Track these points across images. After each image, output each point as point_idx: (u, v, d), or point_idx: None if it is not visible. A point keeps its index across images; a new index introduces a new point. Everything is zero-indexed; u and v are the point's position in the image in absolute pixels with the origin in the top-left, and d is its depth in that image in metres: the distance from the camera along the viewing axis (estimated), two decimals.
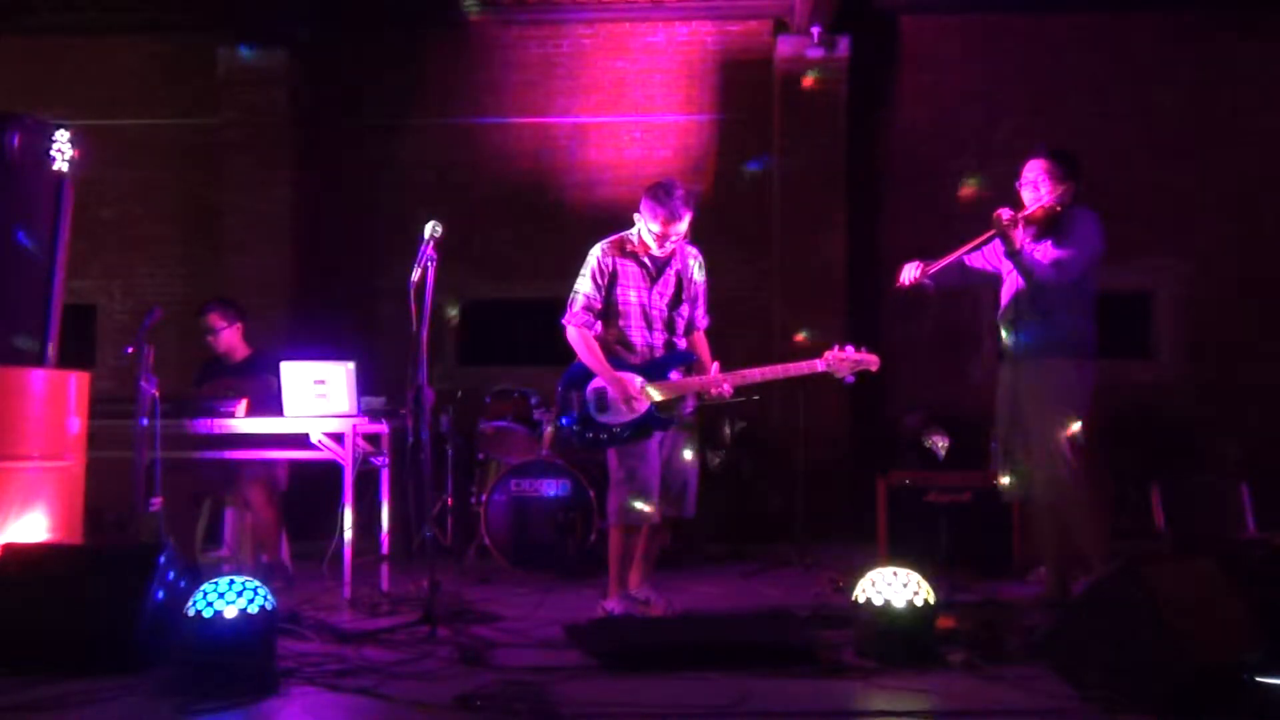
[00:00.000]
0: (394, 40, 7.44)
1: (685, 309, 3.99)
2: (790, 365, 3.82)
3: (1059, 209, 3.99)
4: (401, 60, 7.44)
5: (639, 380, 3.80)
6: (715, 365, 3.88)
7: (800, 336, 6.38)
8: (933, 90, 7.25)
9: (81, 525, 3.93)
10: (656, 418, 3.81)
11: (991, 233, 3.92)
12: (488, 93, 7.40)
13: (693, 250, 4.02)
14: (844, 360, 3.76)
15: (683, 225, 3.80)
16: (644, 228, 3.84)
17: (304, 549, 4.96)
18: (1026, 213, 3.94)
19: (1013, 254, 3.88)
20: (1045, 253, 3.94)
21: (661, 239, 3.81)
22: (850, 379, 3.80)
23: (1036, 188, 4.02)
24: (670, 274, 3.95)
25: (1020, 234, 3.86)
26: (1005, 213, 3.84)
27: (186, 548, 4.71)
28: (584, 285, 3.87)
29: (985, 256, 4.19)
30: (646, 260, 3.91)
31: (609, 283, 3.87)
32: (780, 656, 3.15)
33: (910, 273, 4.08)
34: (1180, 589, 2.82)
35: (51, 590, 3.17)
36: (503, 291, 7.42)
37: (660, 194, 3.76)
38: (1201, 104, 7.08)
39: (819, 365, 3.77)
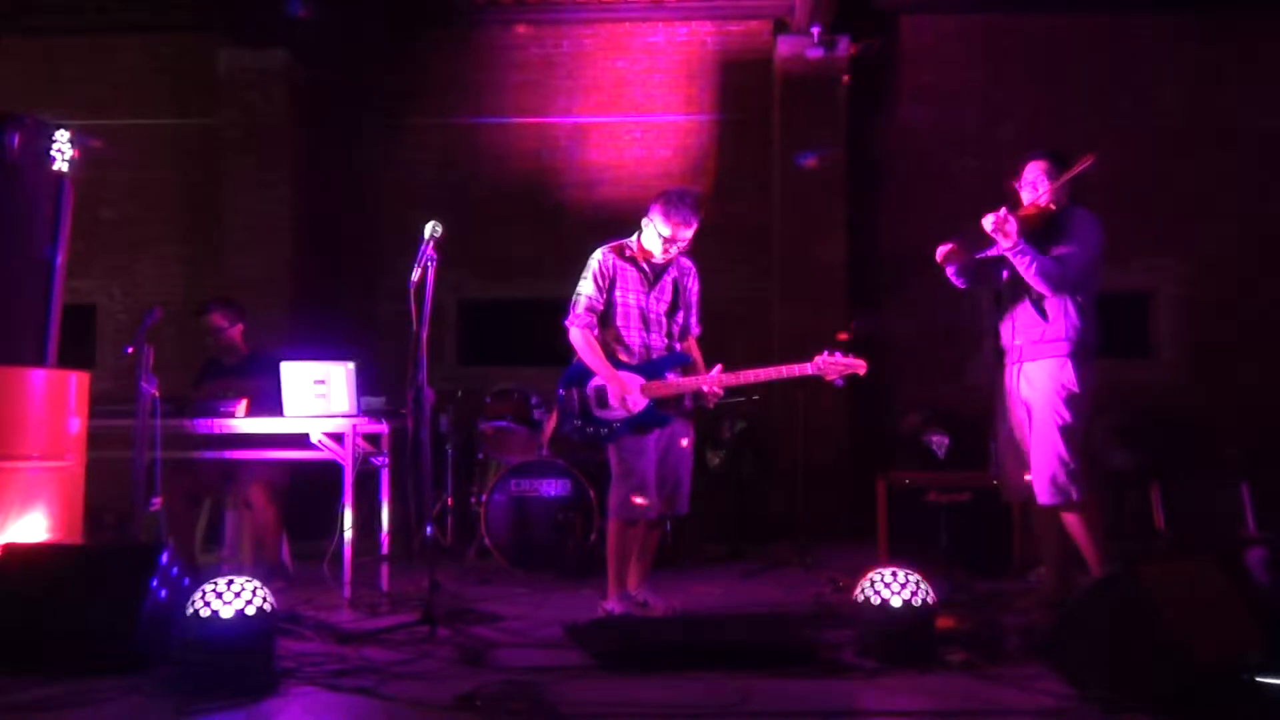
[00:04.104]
0: (394, 40, 7.44)
1: (680, 315, 4.08)
2: (782, 368, 3.89)
3: (1053, 208, 3.99)
4: (401, 60, 7.44)
5: (638, 380, 3.88)
6: (718, 367, 3.94)
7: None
8: (933, 89, 7.25)
9: (81, 525, 3.92)
10: (655, 415, 3.88)
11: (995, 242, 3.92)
12: (488, 93, 7.40)
13: (687, 261, 4.13)
14: (833, 364, 3.86)
15: (690, 231, 3.90)
16: (652, 231, 3.91)
17: (304, 549, 4.96)
18: (1020, 213, 3.93)
19: (1010, 253, 3.88)
20: (1044, 252, 3.93)
21: (670, 242, 3.89)
22: (840, 383, 3.90)
23: (1035, 188, 4.05)
24: (667, 281, 4.04)
25: (1015, 229, 3.85)
26: (995, 216, 3.84)
27: (186, 548, 4.71)
28: (586, 287, 3.93)
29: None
30: (645, 266, 3.99)
31: (609, 286, 3.94)
32: (780, 656, 3.15)
33: (945, 250, 4.09)
34: (1180, 589, 2.82)
35: (51, 590, 3.17)
36: (502, 291, 7.42)
37: (674, 199, 3.86)
38: (1201, 104, 7.08)
39: (809, 369, 3.88)
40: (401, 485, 4.42)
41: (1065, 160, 4.06)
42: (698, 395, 3.97)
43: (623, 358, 3.94)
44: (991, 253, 4.13)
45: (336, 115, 7.40)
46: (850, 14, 6.89)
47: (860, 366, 3.87)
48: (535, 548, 5.13)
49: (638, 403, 3.86)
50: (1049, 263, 3.88)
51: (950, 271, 4.18)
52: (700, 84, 7.34)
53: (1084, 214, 4.00)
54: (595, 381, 3.90)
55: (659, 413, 3.89)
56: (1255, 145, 7.03)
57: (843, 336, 5.94)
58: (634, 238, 4.01)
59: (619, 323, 3.95)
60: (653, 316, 3.98)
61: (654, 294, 3.99)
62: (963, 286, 4.28)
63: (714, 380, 3.88)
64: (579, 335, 3.92)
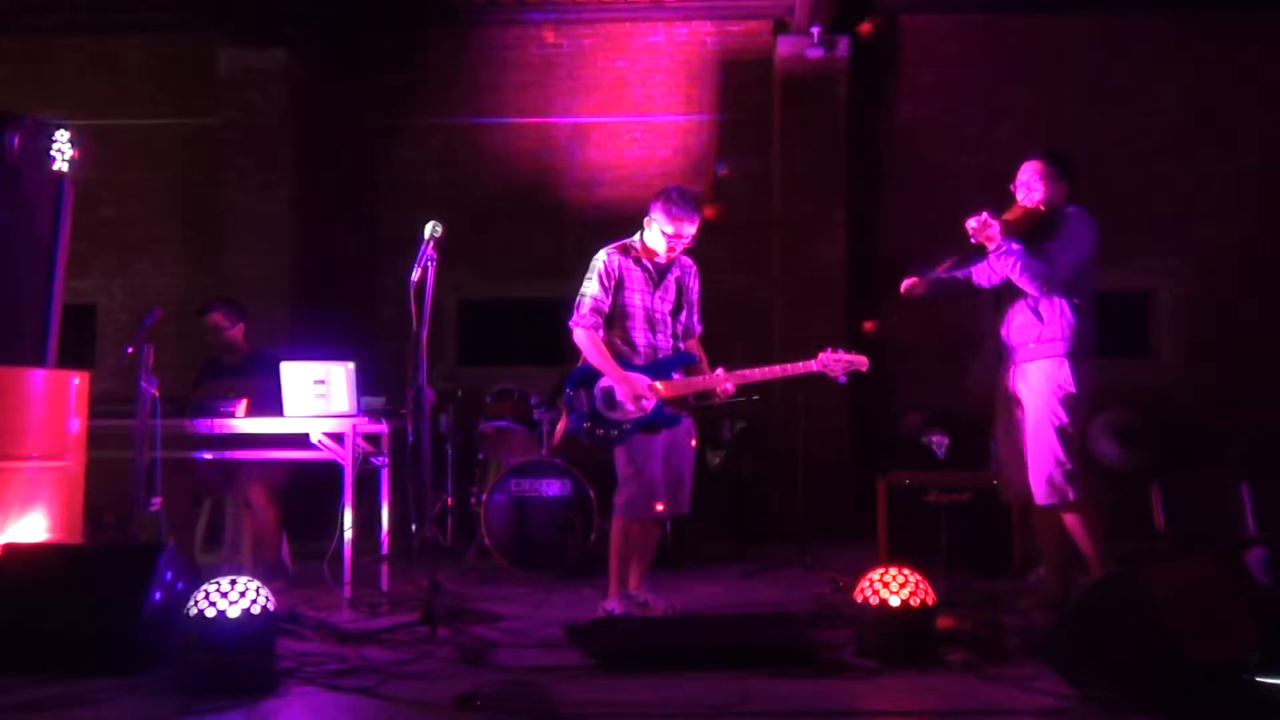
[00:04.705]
0: (394, 40, 7.45)
1: (684, 315, 4.09)
2: (786, 366, 3.90)
3: (1043, 209, 3.98)
4: (401, 60, 7.44)
5: (646, 380, 3.87)
6: (721, 368, 3.94)
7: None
8: (932, 90, 7.26)
9: (81, 525, 3.92)
10: (664, 414, 3.89)
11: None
12: (488, 93, 7.40)
13: (688, 260, 4.13)
14: (837, 361, 3.88)
15: (693, 228, 3.89)
16: (654, 231, 3.91)
17: (304, 549, 4.96)
18: (1005, 215, 3.94)
19: (995, 252, 3.88)
20: (1033, 252, 3.93)
21: (674, 239, 3.88)
22: (843, 379, 3.91)
23: (1029, 189, 4.04)
24: (671, 280, 4.04)
25: (997, 231, 3.85)
26: (976, 219, 3.85)
27: (186, 548, 4.71)
28: (591, 288, 3.92)
29: (991, 266, 4.17)
30: (649, 265, 3.98)
31: (615, 286, 3.93)
32: (780, 656, 3.15)
33: (907, 284, 4.15)
34: (1180, 589, 2.82)
35: (51, 590, 3.17)
36: (502, 291, 7.42)
37: (674, 196, 3.86)
38: (1201, 104, 7.08)
39: (813, 366, 3.89)
40: (401, 485, 4.42)
41: (1063, 160, 4.07)
42: (703, 394, 3.98)
43: (630, 357, 3.92)
44: (989, 275, 4.14)
45: (336, 115, 7.40)
46: (850, 14, 6.89)
47: (863, 362, 3.88)
48: (535, 548, 5.13)
49: (648, 402, 3.86)
50: (1035, 263, 3.88)
51: (925, 294, 4.20)
52: (700, 84, 7.34)
53: (1077, 214, 3.98)
54: (603, 382, 3.89)
55: (668, 413, 3.90)
56: (1255, 145, 7.03)
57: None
58: (637, 237, 4.00)
59: (626, 323, 3.93)
60: (658, 316, 3.99)
61: (659, 294, 3.99)
62: (950, 291, 4.29)
63: (721, 379, 3.89)
64: (584, 336, 3.90)
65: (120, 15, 7.33)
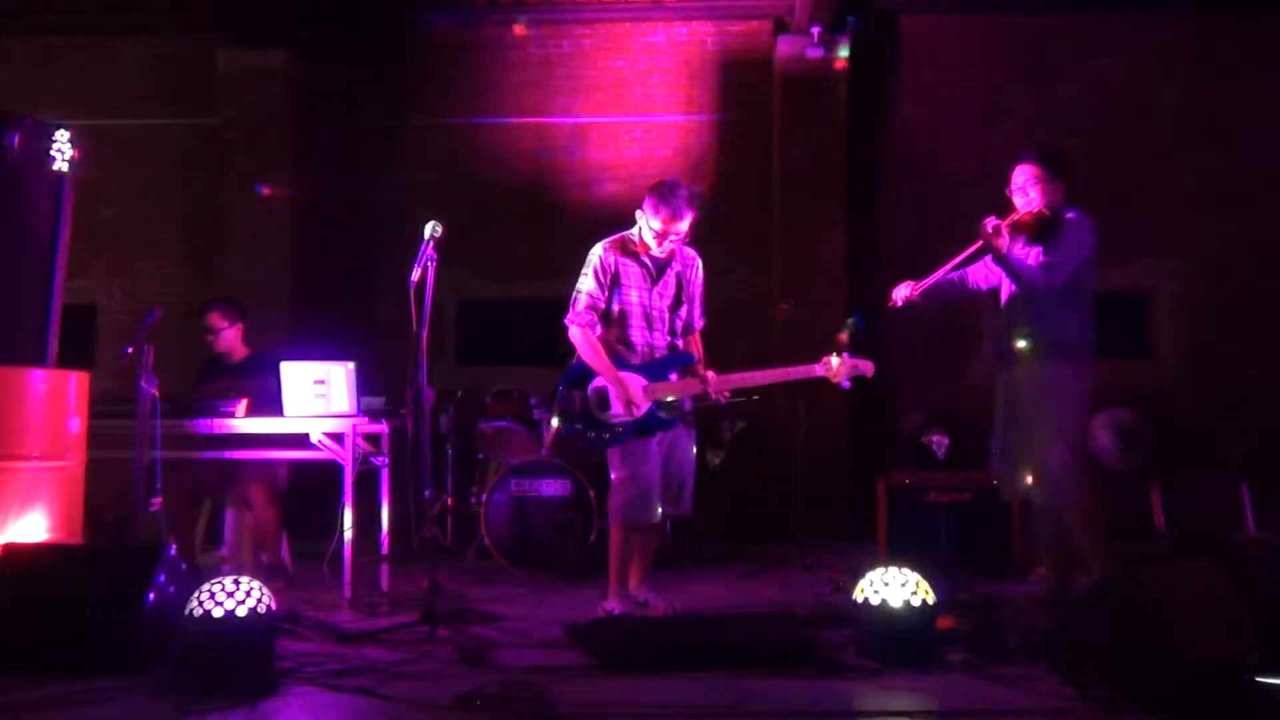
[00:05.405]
0: (394, 40, 7.44)
1: (684, 310, 4.01)
2: (789, 369, 3.86)
3: (1047, 214, 3.98)
4: (401, 60, 7.44)
5: (641, 381, 3.82)
6: (710, 373, 3.89)
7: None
8: (932, 90, 7.25)
9: (81, 525, 3.93)
10: (658, 417, 3.83)
11: (979, 244, 3.92)
12: (488, 93, 7.40)
13: (691, 252, 4.05)
14: (842, 366, 3.81)
15: (684, 225, 3.81)
16: (645, 226, 3.85)
17: (304, 549, 4.96)
18: (1012, 219, 3.95)
19: (1000, 259, 3.89)
20: (1034, 257, 3.95)
21: (662, 237, 3.81)
22: (847, 385, 3.86)
23: (1026, 193, 4.02)
24: (670, 275, 3.96)
25: (1006, 240, 3.86)
26: (990, 221, 3.85)
27: (186, 548, 4.71)
28: (587, 284, 3.87)
29: (988, 267, 4.18)
30: (647, 260, 3.92)
31: (611, 282, 3.87)
32: (780, 656, 3.15)
33: (901, 292, 4.10)
34: (1180, 589, 2.82)
35: (51, 590, 3.17)
36: (503, 291, 7.42)
37: (664, 192, 3.77)
38: (1201, 104, 7.08)
39: (817, 370, 3.85)
40: (401, 485, 4.42)
41: (1057, 160, 4.05)
42: (701, 395, 3.95)
43: (627, 357, 3.88)
44: (985, 276, 4.14)
45: (336, 115, 7.39)
46: (850, 14, 6.88)
47: (869, 368, 3.85)
48: (535, 548, 5.13)
49: (641, 405, 3.80)
50: (1035, 270, 3.89)
51: (920, 304, 4.13)
52: (700, 84, 7.33)
53: (1077, 218, 3.98)
54: (597, 382, 3.84)
55: (663, 414, 3.84)
56: (1255, 145, 7.03)
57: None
58: (635, 230, 3.92)
59: (623, 321, 3.88)
60: (655, 314, 3.92)
61: (657, 290, 3.92)
62: (923, 307, 4.23)
63: (713, 384, 3.84)
64: (579, 334, 3.85)
65: (120, 15, 7.33)
